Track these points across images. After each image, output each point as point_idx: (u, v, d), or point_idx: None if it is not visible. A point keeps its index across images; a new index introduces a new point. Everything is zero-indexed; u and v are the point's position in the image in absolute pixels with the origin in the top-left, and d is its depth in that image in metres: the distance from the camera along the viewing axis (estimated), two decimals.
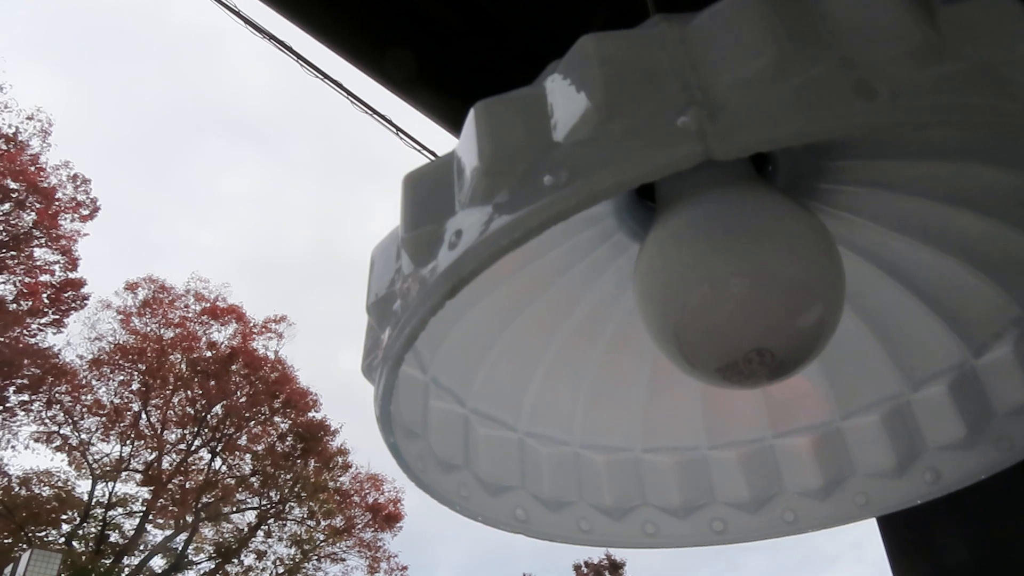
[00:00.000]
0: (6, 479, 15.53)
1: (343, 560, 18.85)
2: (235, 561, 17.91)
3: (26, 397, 15.27)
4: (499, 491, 0.67)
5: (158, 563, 17.25)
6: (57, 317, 15.32)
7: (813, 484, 0.67)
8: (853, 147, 0.57)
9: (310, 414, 18.42)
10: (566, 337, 0.70)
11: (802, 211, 0.53)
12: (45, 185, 14.60)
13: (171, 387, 17.41)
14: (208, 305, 17.92)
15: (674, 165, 0.37)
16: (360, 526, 18.95)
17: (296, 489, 18.30)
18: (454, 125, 1.39)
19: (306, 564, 18.47)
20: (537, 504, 0.68)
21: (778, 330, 0.51)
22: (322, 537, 18.64)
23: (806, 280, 0.51)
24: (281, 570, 18.26)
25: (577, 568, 23.90)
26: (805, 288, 0.51)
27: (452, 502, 0.64)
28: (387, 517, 19.01)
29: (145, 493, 17.02)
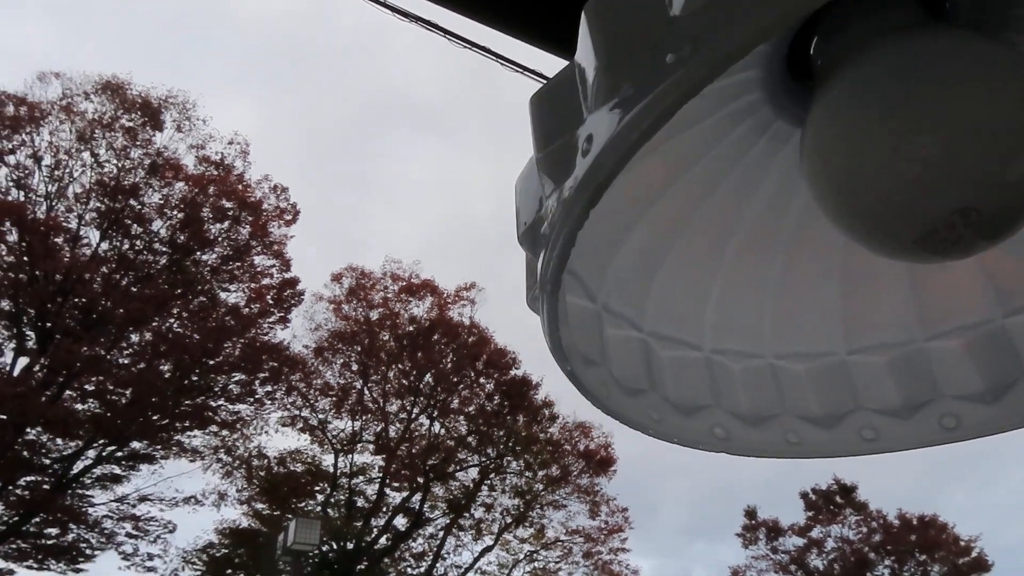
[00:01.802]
0: (266, 460, 17.21)
1: (564, 506, 19.38)
2: (466, 515, 18.87)
3: (270, 388, 16.80)
4: (692, 411, 0.62)
5: (400, 522, 18.53)
6: (282, 315, 16.68)
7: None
8: None
9: (512, 372, 18.96)
10: (739, 245, 0.62)
11: (997, 46, 0.43)
12: (252, 199, 15.83)
13: (384, 363, 18.49)
14: (404, 284, 18.79)
15: (800, 9, 0.29)
16: (575, 473, 19.37)
17: (510, 444, 18.96)
18: None
19: (531, 513, 19.15)
20: (736, 421, 0.62)
21: (982, 184, 0.42)
22: (541, 487, 19.22)
23: (1011, 125, 0.40)
24: (509, 520, 19.04)
25: (805, 496, 23.00)
26: (1011, 134, 0.40)
27: (644, 425, 0.59)
28: (600, 462, 19.29)
29: (379, 461, 18.29)
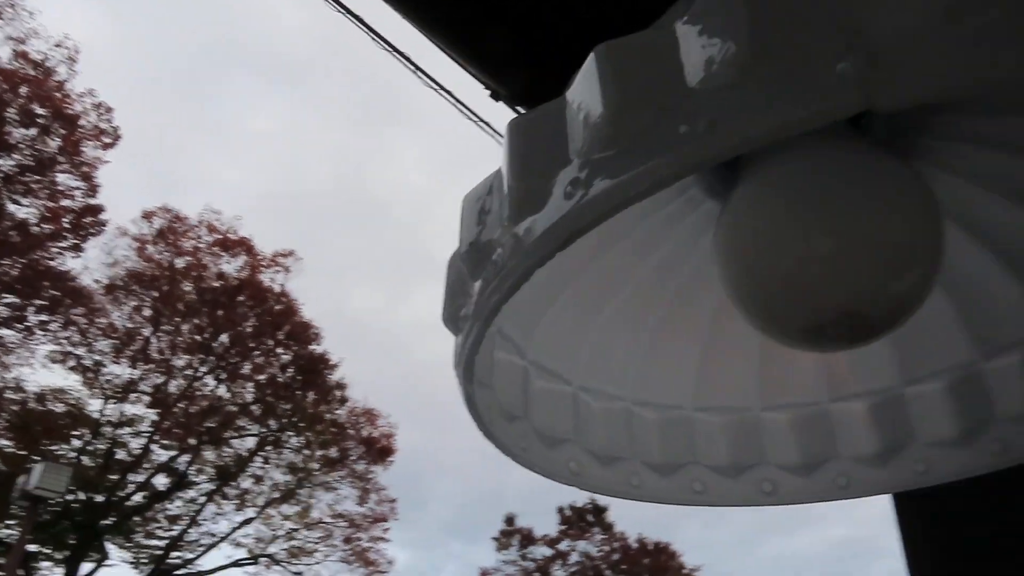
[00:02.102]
0: (23, 395, 15.62)
1: (336, 489, 19.11)
2: (233, 484, 18.13)
3: (44, 317, 15.30)
4: (554, 444, 0.66)
5: (161, 481, 17.48)
6: (76, 242, 15.27)
7: (869, 450, 0.65)
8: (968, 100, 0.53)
9: (311, 347, 18.49)
10: (629, 293, 0.68)
11: (901, 166, 0.49)
12: (70, 112, 14.42)
13: (181, 314, 17.43)
14: (219, 237, 17.84)
15: (830, 114, 0.34)
16: (354, 458, 19.17)
17: (294, 419, 18.46)
18: (492, 72, 1.35)
19: (300, 491, 18.71)
20: (590, 458, 0.67)
21: (872, 293, 0.47)
22: (317, 466, 18.85)
23: (905, 241, 0.47)
24: (277, 495, 18.50)
25: (561, 510, 24.22)
26: (904, 249, 0.47)
27: (514, 453, 0.62)
28: (380, 451, 19.24)
29: (152, 415, 17.17)
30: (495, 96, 1.36)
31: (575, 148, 0.41)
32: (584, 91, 0.41)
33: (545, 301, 0.66)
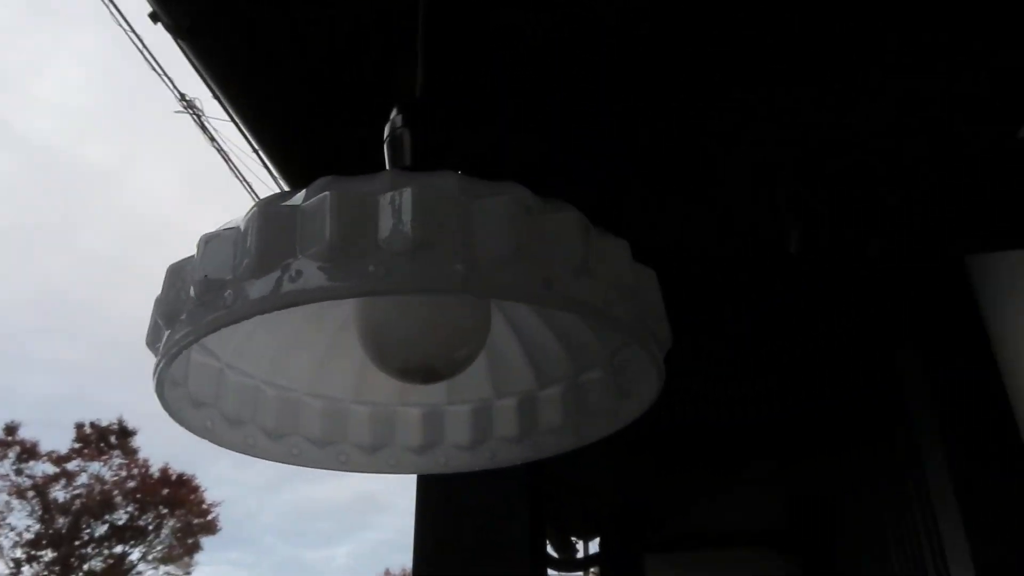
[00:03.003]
0: None
1: None
2: None
3: None
4: (237, 424, 0.82)
5: None
6: None
7: (415, 442, 0.89)
8: None
9: None
10: (298, 322, 0.85)
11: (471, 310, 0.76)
12: None
13: None
14: None
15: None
16: None
17: None
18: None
19: None
20: (263, 435, 0.84)
21: (443, 355, 0.76)
22: None
23: (463, 334, 0.76)
24: None
25: (80, 427, 21.71)
26: (463, 337, 0.76)
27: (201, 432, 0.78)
28: None
29: None
30: (154, 18, 1.37)
31: (301, 248, 0.55)
32: (314, 214, 0.55)
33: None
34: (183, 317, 0.59)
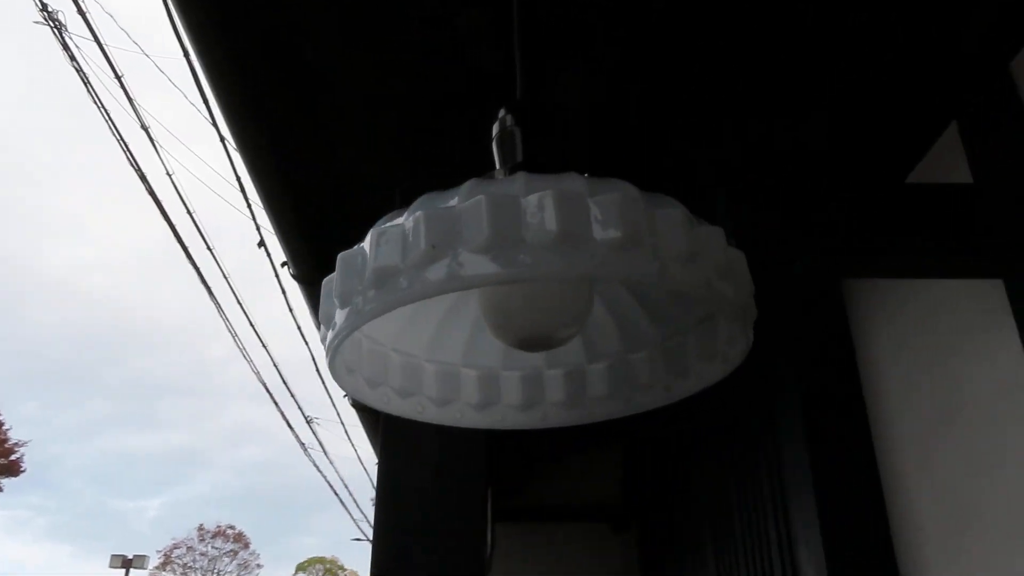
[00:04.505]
0: None
1: None
2: None
3: None
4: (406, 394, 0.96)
5: None
6: None
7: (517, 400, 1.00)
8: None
9: None
10: (444, 312, 0.98)
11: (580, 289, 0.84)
12: None
13: None
14: None
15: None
16: None
17: None
18: None
19: None
20: (430, 403, 0.98)
21: (553, 332, 0.83)
22: None
23: (568, 314, 0.84)
24: None
25: None
26: (566, 317, 0.84)
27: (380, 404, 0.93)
28: None
29: None
30: None
31: (464, 242, 0.62)
32: (472, 213, 0.63)
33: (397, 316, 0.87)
34: (358, 299, 0.67)
